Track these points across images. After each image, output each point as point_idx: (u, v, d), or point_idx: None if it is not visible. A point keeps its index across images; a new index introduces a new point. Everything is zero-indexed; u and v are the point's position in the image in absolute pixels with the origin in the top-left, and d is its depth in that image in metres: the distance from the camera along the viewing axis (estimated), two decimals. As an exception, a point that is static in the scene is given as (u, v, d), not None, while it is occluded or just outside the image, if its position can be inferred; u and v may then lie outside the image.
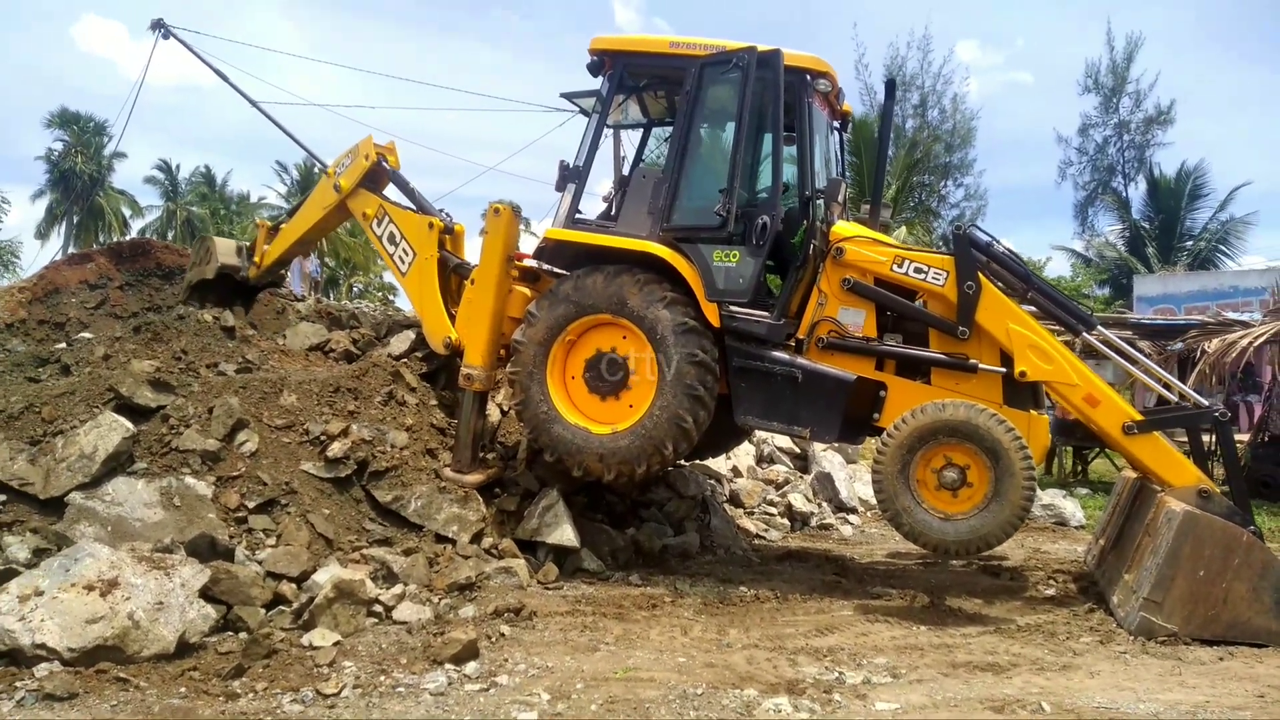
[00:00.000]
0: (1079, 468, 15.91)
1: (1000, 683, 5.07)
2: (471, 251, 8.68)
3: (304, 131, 10.60)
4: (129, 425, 6.32)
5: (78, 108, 47.49)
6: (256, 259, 9.41)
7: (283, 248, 9.27)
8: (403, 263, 8.32)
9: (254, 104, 11.74)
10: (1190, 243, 34.30)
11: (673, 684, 4.86)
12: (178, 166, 52.37)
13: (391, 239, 8.39)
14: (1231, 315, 14.31)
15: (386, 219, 8.44)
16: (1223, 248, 33.73)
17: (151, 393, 6.76)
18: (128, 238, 37.92)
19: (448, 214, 8.46)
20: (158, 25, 11.07)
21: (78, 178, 46.59)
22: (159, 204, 51.97)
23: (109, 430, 6.20)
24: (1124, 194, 37.84)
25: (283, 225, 9.57)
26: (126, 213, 51.06)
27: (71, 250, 38.29)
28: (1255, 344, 12.43)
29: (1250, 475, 11.68)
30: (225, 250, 9.39)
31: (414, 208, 8.51)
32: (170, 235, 47.82)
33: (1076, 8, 68.20)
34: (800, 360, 6.99)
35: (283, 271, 9.90)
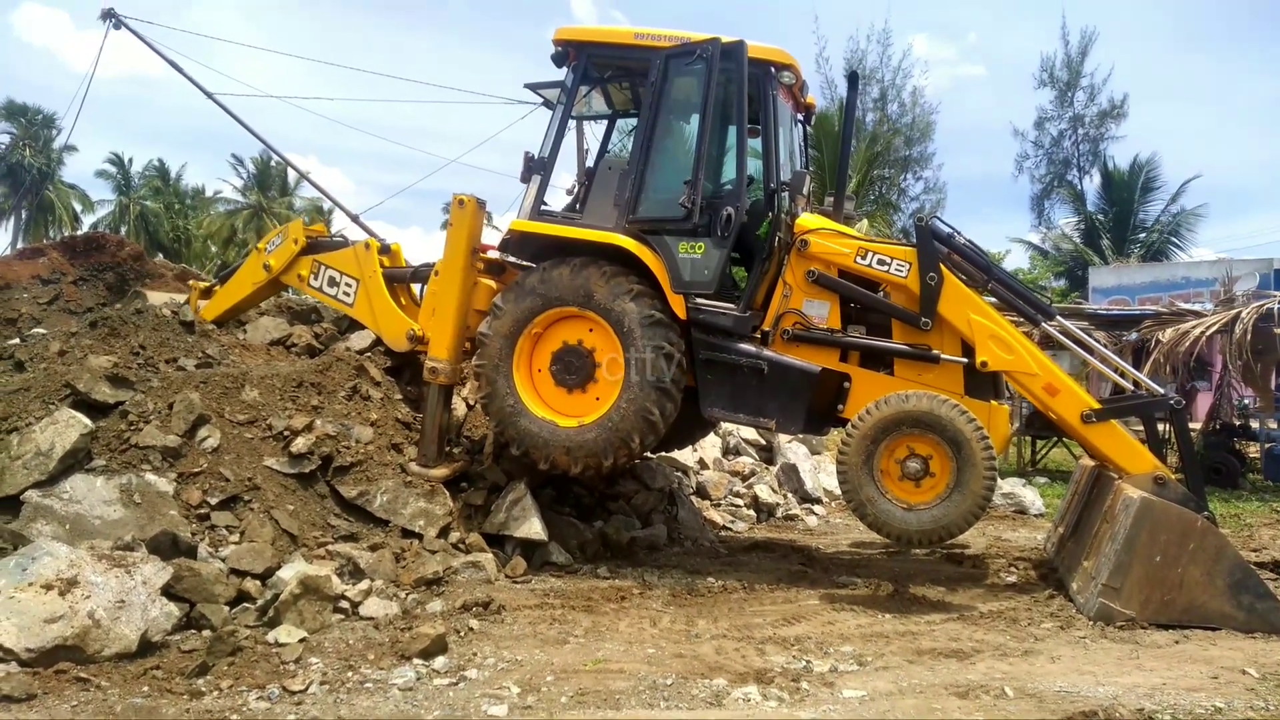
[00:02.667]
0: (1035, 457, 16.21)
1: (964, 669, 5.15)
2: (435, 247, 8.70)
3: (259, 123, 10.52)
4: (87, 421, 6.19)
5: (19, 99, 46.42)
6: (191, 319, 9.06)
7: (216, 313, 9.02)
8: (348, 296, 8.40)
9: (209, 95, 11.54)
10: (1143, 235, 35.06)
11: (642, 675, 4.88)
12: (130, 160, 51.49)
13: (331, 282, 8.49)
14: (1184, 306, 14.62)
15: (322, 268, 8.55)
16: (1174, 239, 34.56)
17: (110, 388, 6.62)
18: (80, 232, 37.14)
19: (380, 238, 8.65)
20: (109, 15, 10.83)
21: (26, 171, 45.51)
22: (111, 198, 51.05)
23: (66, 427, 6.07)
24: (1079, 187, 38.58)
25: (216, 286, 9.42)
26: (77, 207, 50.08)
27: (21, 245, 37.37)
28: (1208, 333, 12.72)
29: (1202, 462, 11.98)
30: (157, 302, 8.99)
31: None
32: (123, 230, 46.91)
33: (1029, 2, 69.21)
34: (766, 352, 7.03)
35: None
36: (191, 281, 9.90)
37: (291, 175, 51.06)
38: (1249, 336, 12.40)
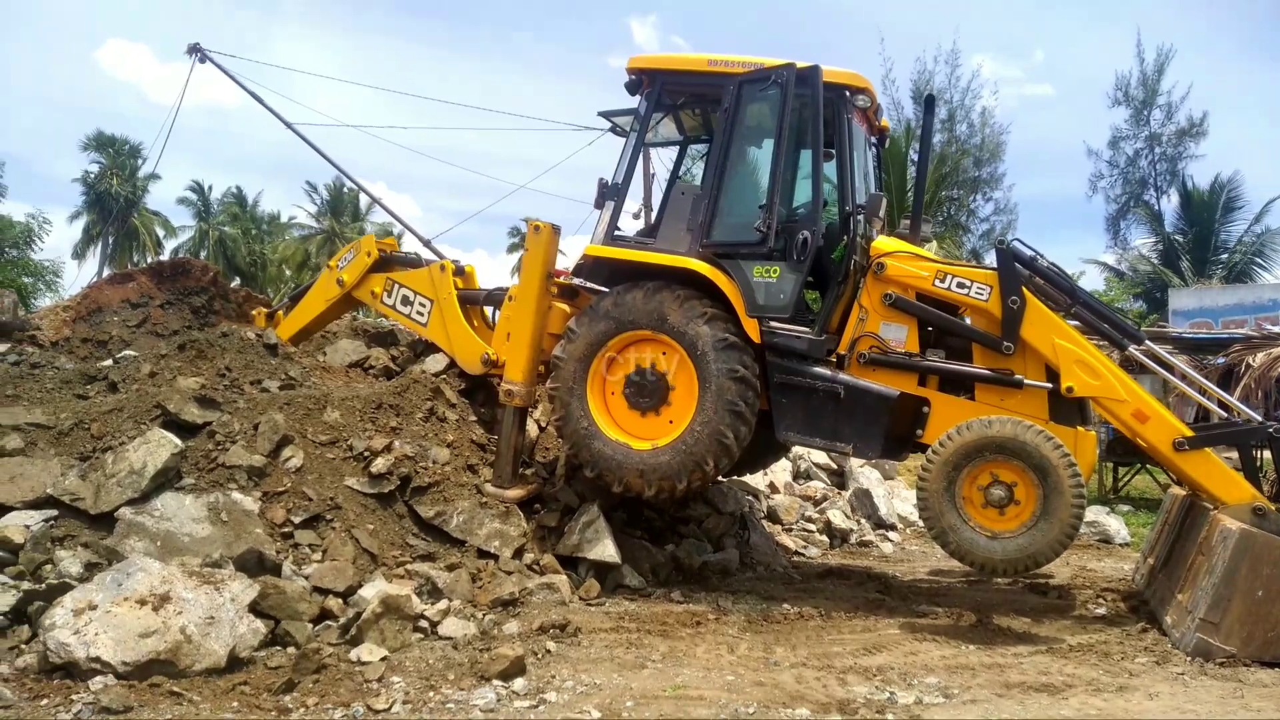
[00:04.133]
0: (1118, 484, 15.69)
1: (1056, 704, 4.98)
2: (501, 271, 8.82)
3: (333, 152, 10.78)
4: (177, 441, 6.37)
5: (106, 131, 48.48)
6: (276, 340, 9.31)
7: (290, 332, 9.22)
8: (422, 315, 8.51)
9: (289, 125, 11.89)
10: (1225, 255, 33.82)
11: (723, 702, 4.82)
12: (210, 187, 53.35)
13: (405, 301, 8.61)
14: (1274, 329, 14.06)
15: (396, 286, 8.67)
16: (1259, 260, 33.24)
17: (198, 409, 6.82)
18: (165, 257, 38.52)
19: (455, 260, 8.73)
20: (195, 50, 11.26)
21: (113, 199, 47.43)
22: (191, 224, 52.90)
23: (157, 446, 6.26)
24: (1156, 207, 37.43)
25: (279, 312, 9.66)
26: (160, 233, 51.97)
27: (108, 270, 38.91)
28: (1302, 358, 12.23)
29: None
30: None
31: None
32: (203, 254, 48.56)
33: (1098, 20, 67.87)
34: (842, 376, 6.95)
35: None
36: (255, 311, 10.05)
37: (363, 201, 52.45)
38: (1346, 361, 11.88)
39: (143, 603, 4.96)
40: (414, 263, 8.99)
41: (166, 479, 6.22)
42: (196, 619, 5.00)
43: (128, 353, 8.73)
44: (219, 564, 5.68)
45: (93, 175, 48.19)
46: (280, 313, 9.72)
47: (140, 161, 46.97)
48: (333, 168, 11.19)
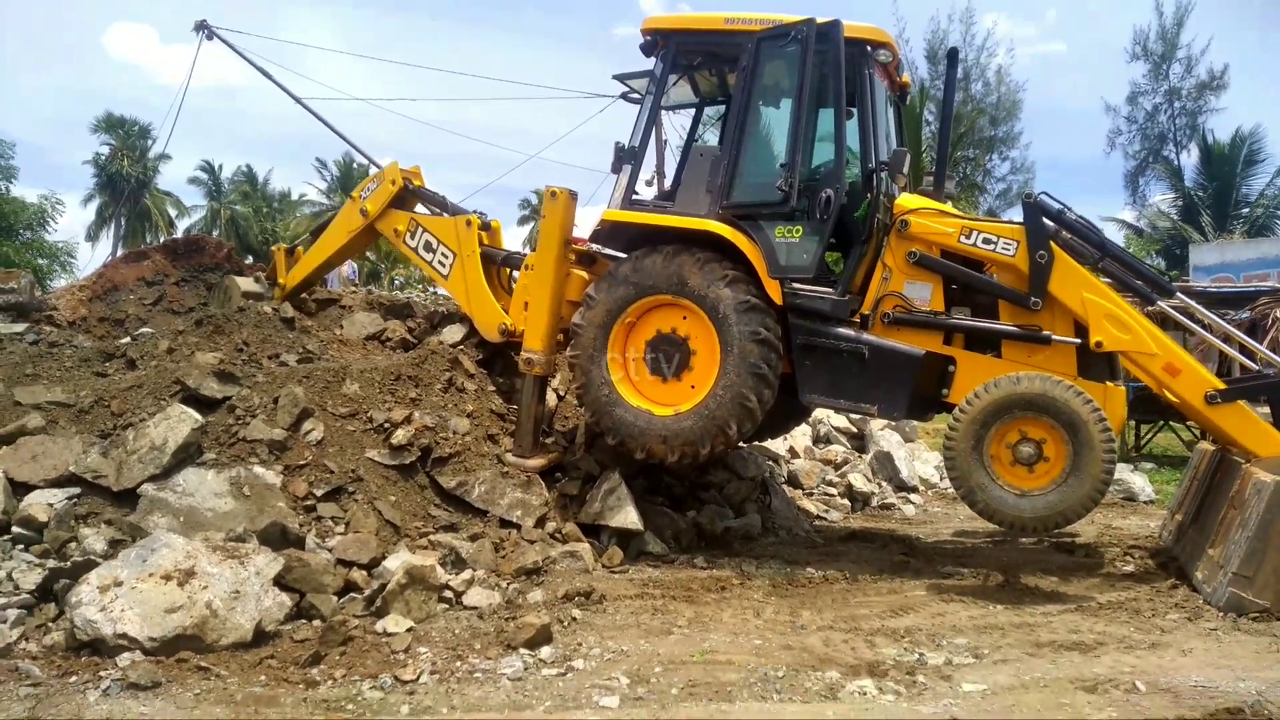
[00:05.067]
0: (1140, 442, 15.54)
1: (1089, 662, 4.92)
2: (511, 244, 8.69)
3: (343, 126, 10.67)
4: (197, 416, 6.35)
5: (116, 113, 48.38)
6: (281, 281, 9.40)
7: (308, 270, 9.25)
8: (443, 266, 8.35)
9: (297, 100, 11.78)
10: (1246, 210, 33.35)
11: (752, 666, 4.78)
12: (220, 167, 53.28)
13: (428, 247, 8.43)
14: (1303, 281, 13.83)
15: (420, 229, 8.49)
16: (1281, 214, 32.77)
17: (217, 384, 6.79)
18: (178, 235, 38.60)
19: (482, 213, 8.50)
20: (201, 27, 11.14)
21: (125, 180, 47.44)
22: (202, 204, 52.93)
23: (178, 422, 6.24)
24: (1176, 162, 36.88)
25: (299, 248, 9.58)
26: (172, 213, 52.04)
27: (122, 250, 38.99)
28: (1330, 310, 12.00)
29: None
30: (245, 284, 9.43)
31: (446, 216, 8.53)
32: (215, 233, 48.58)
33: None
34: (866, 336, 6.84)
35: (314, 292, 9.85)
36: (275, 248, 9.99)
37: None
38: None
39: (168, 578, 4.94)
40: (439, 201, 8.79)
41: (188, 454, 6.20)
42: (222, 593, 4.98)
43: (145, 330, 8.71)
44: (243, 538, 5.66)
45: (103, 157, 48.20)
46: (300, 248, 9.61)
47: (150, 142, 46.93)
48: (343, 141, 11.14)
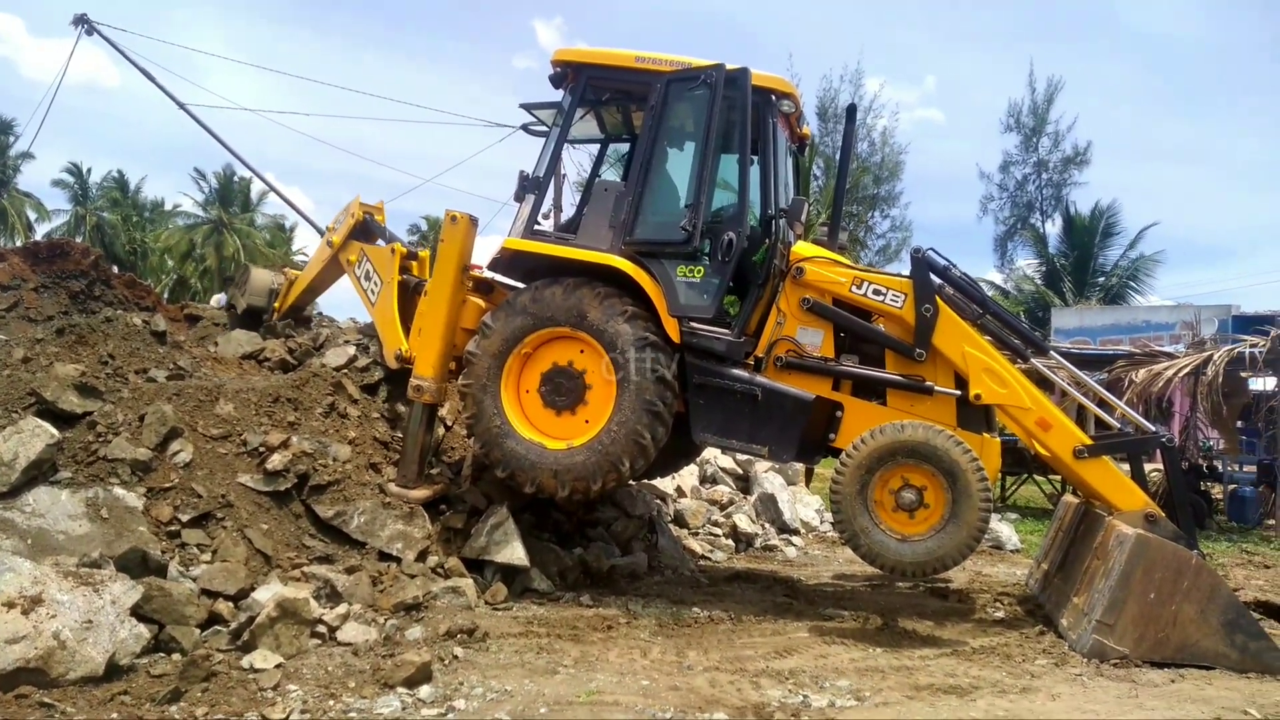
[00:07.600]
0: (1005, 493, 16.27)
1: (965, 705, 5.03)
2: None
3: (229, 137, 10.30)
4: (53, 431, 5.89)
5: (-35, 106, 45.38)
6: (277, 304, 9.41)
7: (294, 296, 9.30)
8: (373, 294, 8.34)
9: (182, 106, 11.32)
10: (1103, 278, 35.72)
11: (640, 708, 4.71)
12: (89, 170, 50.47)
13: (367, 275, 8.45)
14: (1157, 347, 14.82)
15: (364, 259, 8.50)
16: (1132, 284, 35.28)
17: (77, 397, 6.34)
18: (38, 239, 36.19)
19: (415, 245, 8.60)
20: (81, 21, 10.59)
21: (-20, 178, 44.38)
22: (67, 208, 49.91)
23: (31, 436, 5.77)
24: (1042, 230, 39.30)
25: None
26: (31, 215, 48.86)
27: (-28, 252, 36.29)
28: (1181, 375, 12.88)
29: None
30: (258, 290, 9.41)
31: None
32: (79, 240, 45.84)
33: (989, 50, 70.84)
34: (759, 378, 6.93)
35: (305, 314, 9.82)
36: (286, 271, 9.92)
37: (254, 191, 50.41)
38: (1219, 379, 12.56)
39: (11, 605, 4.54)
40: (391, 240, 8.71)
41: (40, 472, 5.75)
42: (72, 623, 4.60)
43: (-3, 337, 8.07)
44: (98, 564, 5.25)
45: (-43, 151, 45.05)
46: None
47: (13, 139, 44.15)
48: (226, 152, 10.74)
